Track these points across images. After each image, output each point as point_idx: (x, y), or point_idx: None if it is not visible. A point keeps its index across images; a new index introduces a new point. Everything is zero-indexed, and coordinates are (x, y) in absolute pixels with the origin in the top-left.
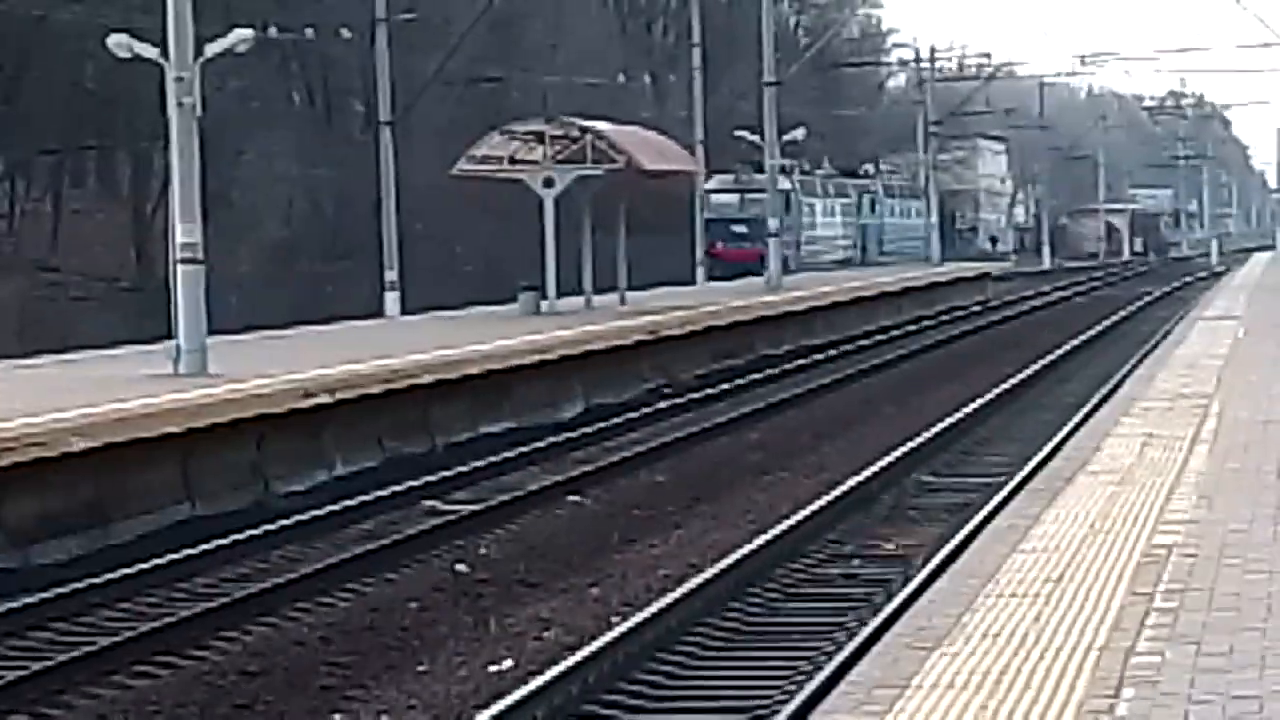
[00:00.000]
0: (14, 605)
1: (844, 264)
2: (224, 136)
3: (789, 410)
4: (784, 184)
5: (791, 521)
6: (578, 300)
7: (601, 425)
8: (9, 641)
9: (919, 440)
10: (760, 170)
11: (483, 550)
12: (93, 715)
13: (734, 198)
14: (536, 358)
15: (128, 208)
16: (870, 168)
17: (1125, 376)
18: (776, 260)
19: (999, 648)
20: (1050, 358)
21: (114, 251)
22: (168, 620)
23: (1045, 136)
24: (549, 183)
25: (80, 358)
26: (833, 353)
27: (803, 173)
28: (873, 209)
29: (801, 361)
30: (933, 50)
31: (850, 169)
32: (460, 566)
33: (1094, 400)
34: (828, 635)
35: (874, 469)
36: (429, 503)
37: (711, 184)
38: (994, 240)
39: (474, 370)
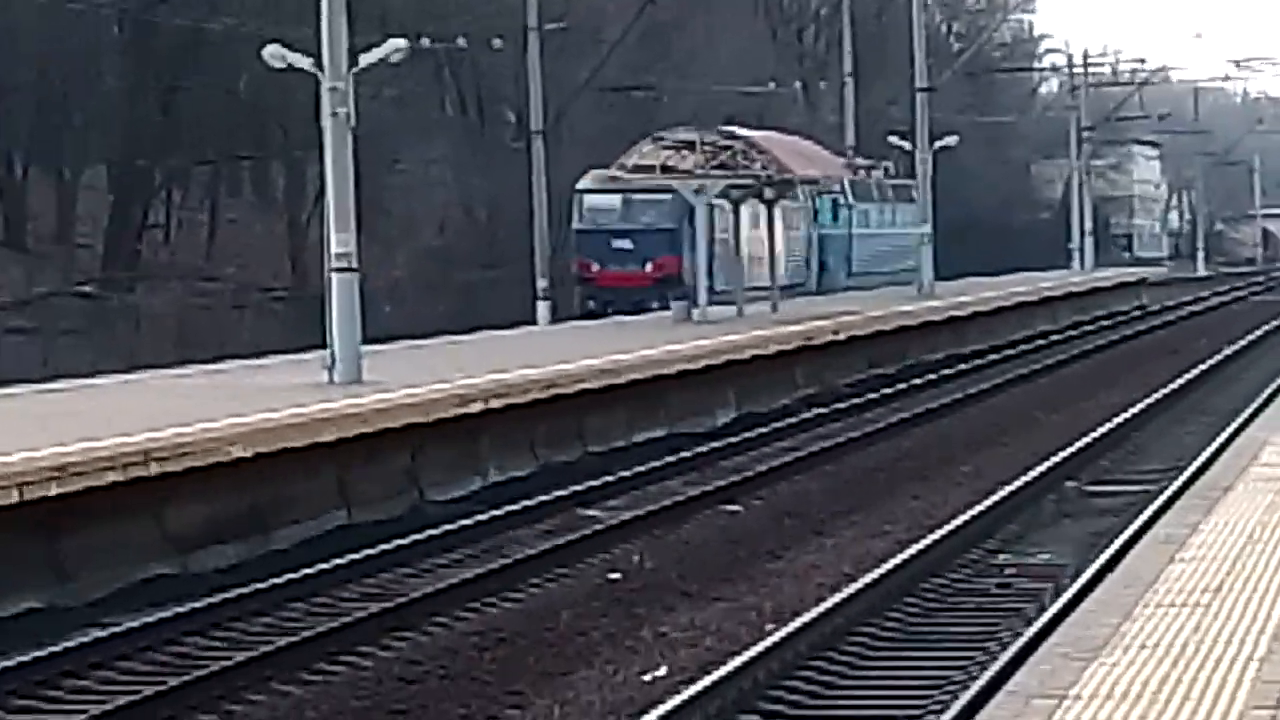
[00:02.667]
0: (180, 610)
1: (789, 292)
2: (378, 145)
3: (942, 418)
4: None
5: (945, 530)
6: (729, 309)
7: (754, 433)
8: (170, 648)
9: (1074, 448)
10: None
11: (636, 557)
12: None
13: (614, 201)
14: (689, 366)
15: (283, 217)
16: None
17: None
18: (928, 265)
19: (1158, 658)
20: (1207, 364)
21: (269, 260)
22: (328, 627)
23: (1200, 142)
24: (699, 190)
25: (235, 367)
26: (990, 359)
27: None
28: (834, 216)
29: (956, 368)
30: (1085, 55)
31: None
32: (613, 574)
33: (1252, 408)
34: (982, 645)
35: (1029, 477)
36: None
37: (585, 181)
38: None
39: (628, 378)
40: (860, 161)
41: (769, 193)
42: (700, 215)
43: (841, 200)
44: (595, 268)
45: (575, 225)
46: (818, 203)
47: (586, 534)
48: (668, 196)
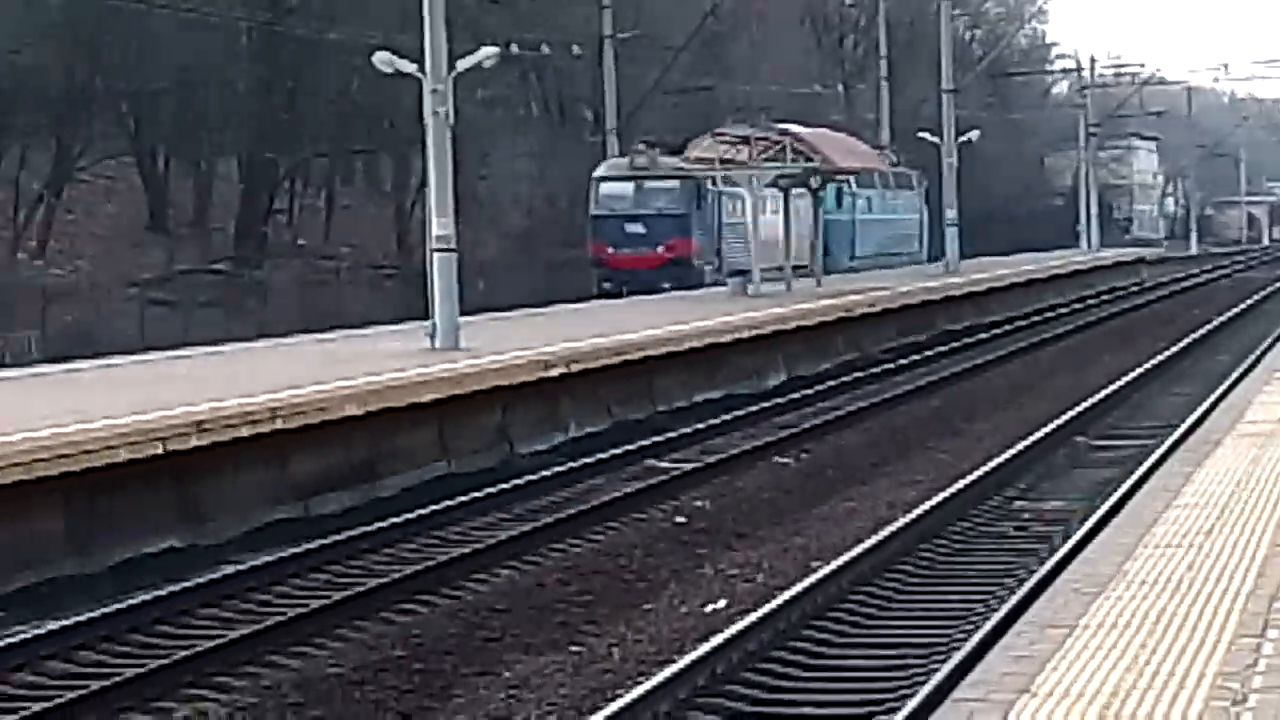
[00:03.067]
0: (296, 551)
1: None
2: (472, 141)
3: (966, 380)
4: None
5: (969, 479)
6: (779, 285)
7: (801, 394)
8: (293, 581)
9: (1082, 407)
10: (667, 149)
11: (698, 503)
12: (364, 647)
13: (627, 188)
14: (743, 335)
15: (390, 203)
16: None
17: (1267, 349)
18: (952, 246)
19: (1157, 592)
20: (1199, 333)
21: (378, 241)
22: (427, 564)
23: (1192, 136)
24: (752, 181)
25: (349, 335)
26: (1006, 329)
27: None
28: (838, 203)
29: (977, 337)
30: (1092, 60)
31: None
32: (679, 518)
33: (1238, 371)
34: (1001, 581)
35: (1042, 433)
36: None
37: (601, 169)
38: (1127, 226)
39: (690, 345)
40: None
41: (814, 182)
42: (748, 203)
43: (845, 188)
44: (609, 250)
45: (592, 211)
46: (824, 190)
47: (654, 483)
48: (677, 184)
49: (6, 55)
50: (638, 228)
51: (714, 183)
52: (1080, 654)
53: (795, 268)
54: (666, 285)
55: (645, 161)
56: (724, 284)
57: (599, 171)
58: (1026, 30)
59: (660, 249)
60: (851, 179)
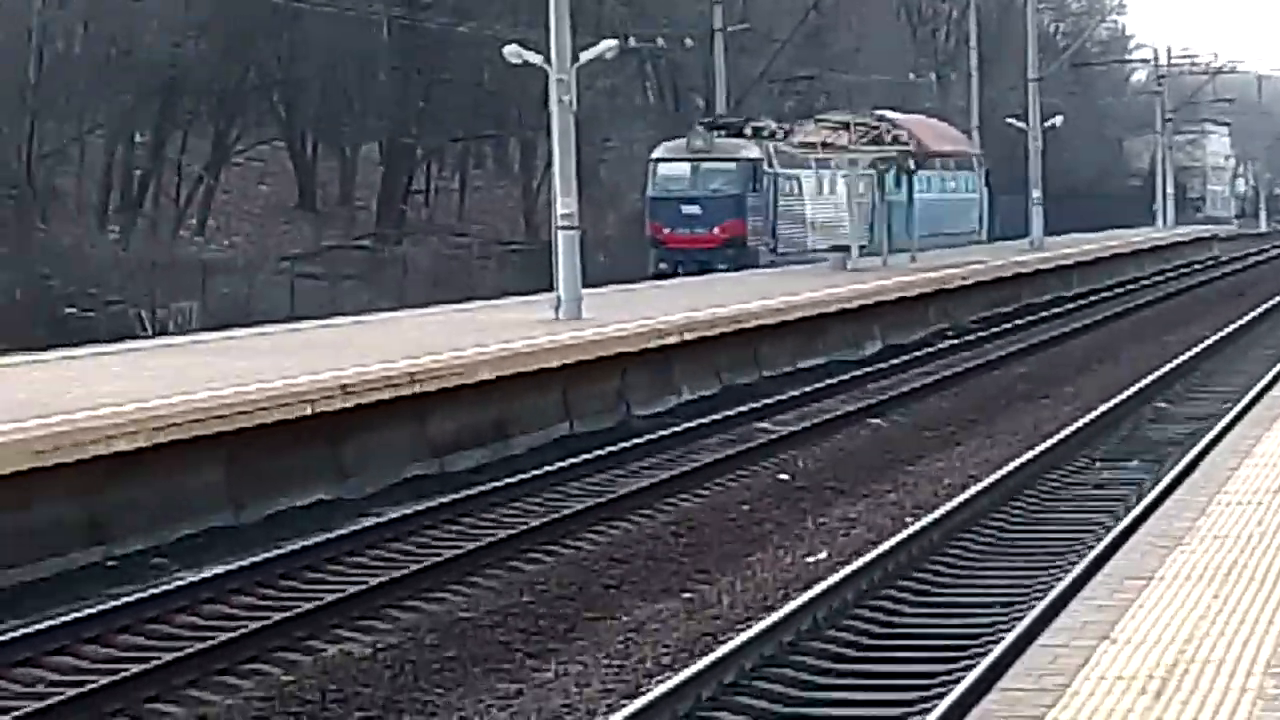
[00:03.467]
0: (431, 504)
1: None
2: (593, 126)
3: (1050, 348)
4: (751, 151)
5: (1053, 440)
6: (876, 259)
7: (896, 360)
8: (430, 532)
9: (1158, 373)
10: (727, 130)
11: (801, 462)
12: (494, 593)
13: (684, 169)
14: (844, 305)
15: (519, 184)
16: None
17: None
18: (1038, 224)
19: (1228, 546)
20: (1269, 304)
21: (507, 220)
22: (551, 517)
23: (1263, 121)
24: (853, 163)
25: (481, 306)
26: (1088, 300)
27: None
28: (898, 183)
29: (1062, 309)
30: (1169, 50)
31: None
32: (782, 475)
33: None
34: (1081, 535)
35: (1120, 397)
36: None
37: (659, 151)
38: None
39: (794, 316)
40: (707, 136)
41: (910, 164)
42: (841, 185)
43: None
44: (666, 231)
45: (649, 193)
46: (879, 171)
47: (761, 443)
48: (733, 165)
49: (169, 49)
50: (694, 209)
51: (770, 164)
52: (1157, 604)
53: (860, 247)
54: (722, 266)
55: (702, 143)
56: (777, 264)
57: (656, 153)
58: (1107, 23)
59: (716, 230)
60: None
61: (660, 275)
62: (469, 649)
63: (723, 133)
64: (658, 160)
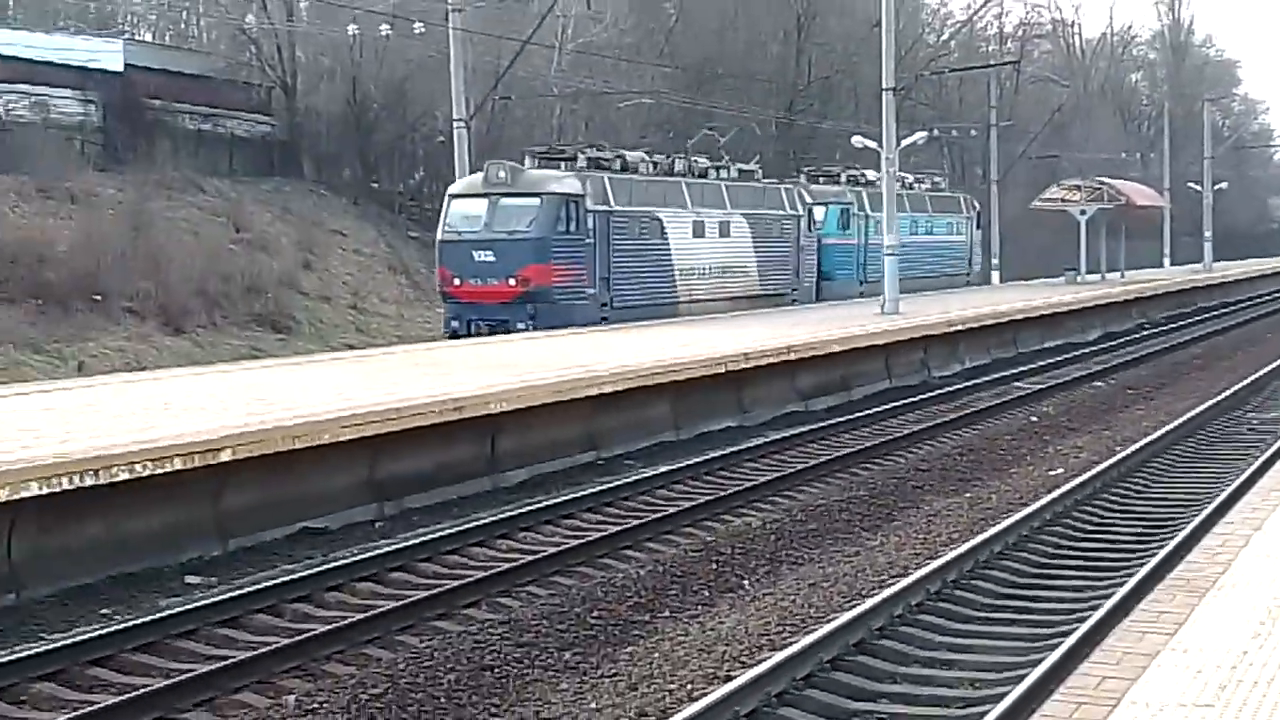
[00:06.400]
0: (801, 430)
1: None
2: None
3: (1215, 337)
4: (566, 185)
5: (1219, 397)
6: (1095, 276)
7: (1111, 343)
8: (799, 448)
9: None
10: (544, 161)
11: (1045, 409)
12: (839, 488)
13: (480, 206)
14: (1074, 307)
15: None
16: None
17: None
18: (1208, 254)
19: None
20: None
21: None
22: (879, 439)
23: None
24: (1083, 212)
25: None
26: (1242, 305)
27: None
28: (844, 226)
29: (1227, 309)
30: None
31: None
32: (1033, 417)
33: None
34: (1238, 461)
35: (1271, 367)
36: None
37: (455, 187)
38: None
39: (1040, 313)
40: (908, 176)
41: (1120, 215)
42: (1082, 227)
43: (851, 211)
44: (456, 282)
45: (438, 235)
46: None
47: (1018, 396)
48: (536, 201)
49: None
50: (486, 255)
51: (607, 201)
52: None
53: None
54: (520, 325)
55: (504, 174)
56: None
57: (453, 188)
58: (1258, 119)
59: (512, 279)
60: (864, 198)
61: (454, 335)
62: (823, 523)
63: (536, 163)
64: (452, 196)
